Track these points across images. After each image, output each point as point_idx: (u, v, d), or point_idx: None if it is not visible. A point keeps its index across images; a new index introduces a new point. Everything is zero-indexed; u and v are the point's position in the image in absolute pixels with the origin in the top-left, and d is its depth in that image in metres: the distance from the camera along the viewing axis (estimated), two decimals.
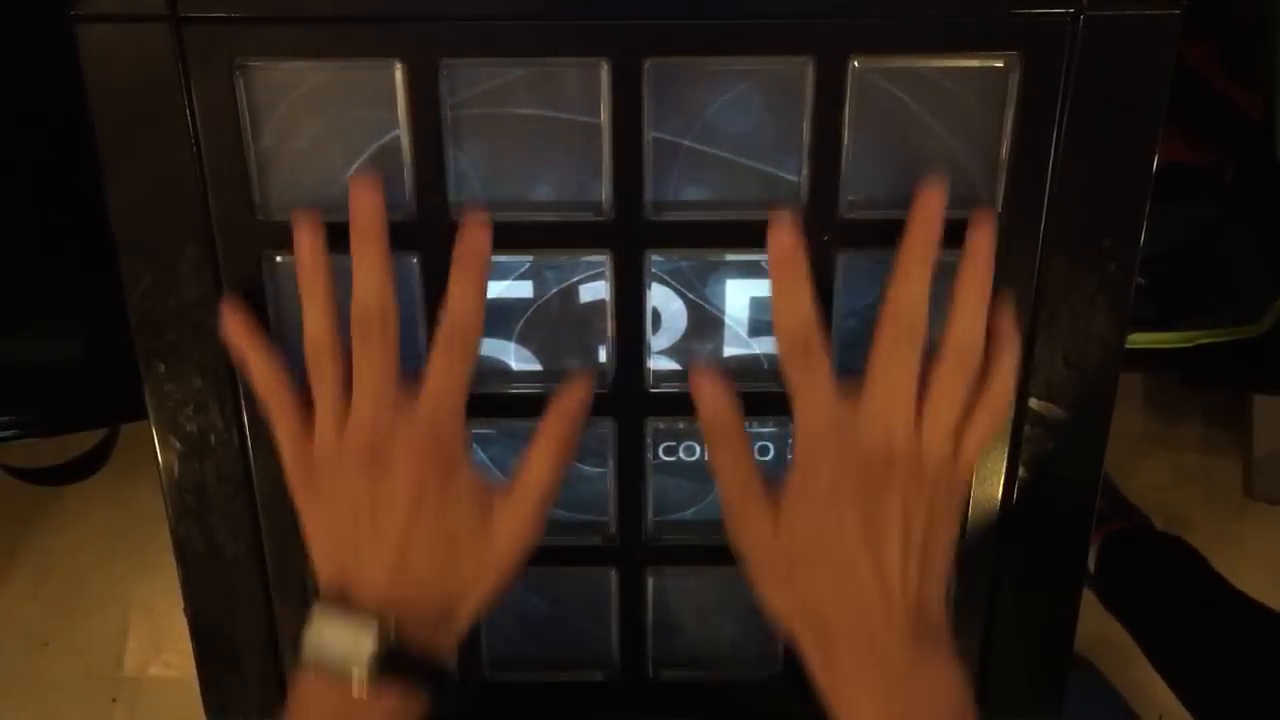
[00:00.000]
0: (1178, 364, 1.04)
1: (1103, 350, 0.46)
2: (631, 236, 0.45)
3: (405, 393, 0.42)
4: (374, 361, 0.41)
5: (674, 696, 0.53)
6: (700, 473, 0.50)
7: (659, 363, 0.47)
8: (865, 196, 0.43)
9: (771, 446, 0.49)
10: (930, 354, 0.41)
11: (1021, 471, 0.48)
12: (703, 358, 0.47)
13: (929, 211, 0.41)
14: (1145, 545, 1.11)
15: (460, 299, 0.42)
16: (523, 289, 0.46)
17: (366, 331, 0.41)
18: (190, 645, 0.51)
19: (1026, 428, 0.47)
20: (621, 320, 0.46)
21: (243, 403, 0.47)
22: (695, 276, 0.46)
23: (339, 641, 0.41)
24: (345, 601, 0.42)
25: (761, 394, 0.46)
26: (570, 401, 0.44)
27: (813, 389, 0.41)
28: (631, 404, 0.48)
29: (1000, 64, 0.42)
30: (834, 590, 0.41)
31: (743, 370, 0.47)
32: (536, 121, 0.43)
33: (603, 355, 0.47)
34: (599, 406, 0.47)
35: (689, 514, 0.51)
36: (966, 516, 0.48)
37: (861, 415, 0.41)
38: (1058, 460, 0.48)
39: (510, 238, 0.44)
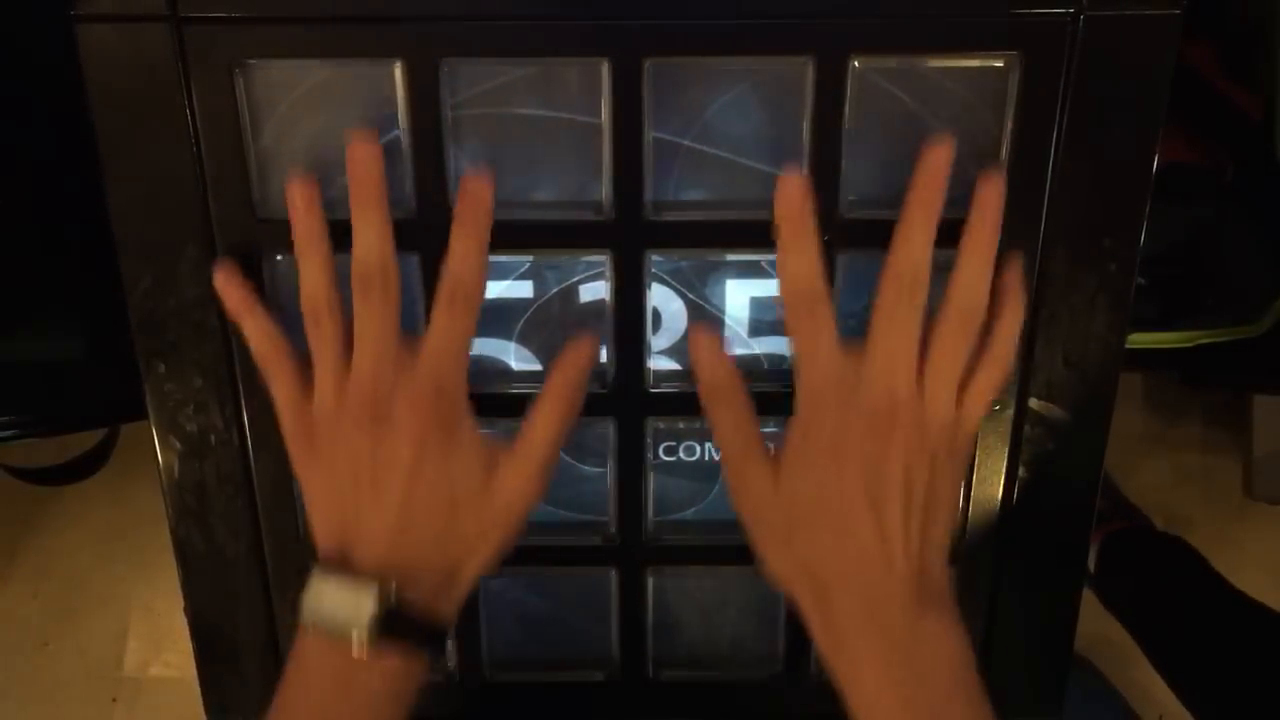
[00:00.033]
0: (1178, 364, 1.04)
1: (1103, 350, 0.46)
2: (631, 236, 0.45)
3: (407, 350, 0.41)
4: (375, 318, 0.41)
5: (674, 696, 0.53)
6: (700, 473, 0.50)
7: (659, 363, 0.47)
8: (865, 196, 0.43)
9: (772, 447, 0.49)
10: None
11: (1021, 471, 0.48)
12: (702, 322, 0.46)
13: (934, 171, 0.40)
14: (1145, 545, 1.11)
15: (462, 256, 0.41)
16: (523, 289, 0.46)
17: (367, 288, 0.40)
18: (190, 645, 0.51)
19: (1026, 428, 0.47)
20: (621, 320, 0.46)
21: (243, 402, 0.47)
22: (695, 276, 0.46)
23: (339, 604, 0.40)
24: (345, 564, 0.42)
25: (762, 394, 0.45)
26: (575, 360, 0.43)
27: (816, 346, 0.41)
28: (631, 404, 0.48)
29: (1000, 64, 0.42)
30: (834, 550, 0.41)
31: (743, 370, 0.47)
32: (536, 121, 0.43)
33: (603, 355, 0.47)
34: (599, 406, 0.48)
35: (689, 514, 0.51)
36: (970, 488, 0.48)
37: (863, 373, 0.41)
38: (1058, 460, 0.48)
39: (510, 238, 0.44)
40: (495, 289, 0.46)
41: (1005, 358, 0.42)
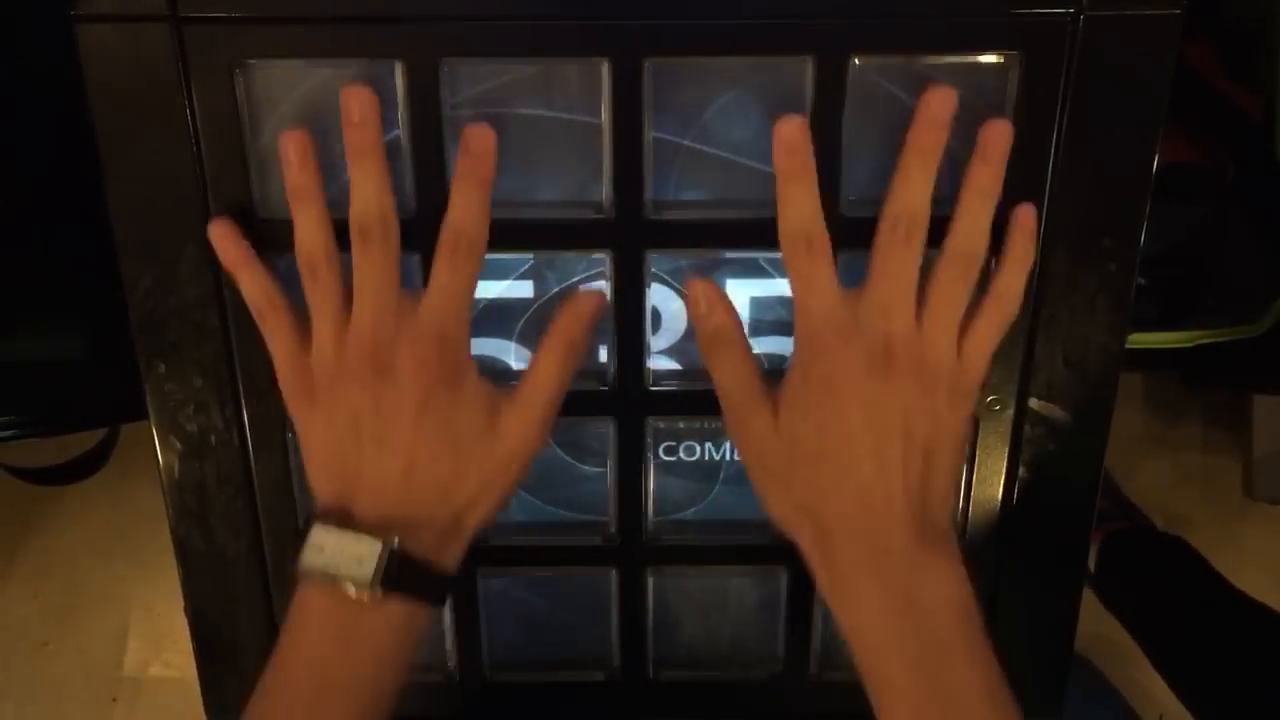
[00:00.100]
0: (1178, 364, 1.04)
1: (1103, 350, 0.46)
2: (631, 236, 0.45)
3: (408, 302, 0.41)
4: (375, 269, 0.40)
5: (674, 696, 0.53)
6: (700, 473, 0.50)
7: (659, 363, 0.47)
8: (865, 196, 0.43)
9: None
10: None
11: (1021, 471, 0.48)
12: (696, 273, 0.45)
13: (934, 114, 0.40)
14: (1145, 545, 1.11)
15: (463, 207, 0.40)
16: (523, 288, 0.46)
17: (367, 239, 0.40)
18: (190, 645, 0.51)
19: (1026, 428, 0.47)
20: (621, 320, 0.46)
21: (243, 402, 0.47)
22: (694, 273, 0.46)
23: (341, 556, 0.40)
24: (346, 517, 0.41)
25: None
26: (579, 310, 0.43)
27: (813, 286, 0.41)
28: (631, 404, 0.48)
29: (1000, 64, 0.42)
30: (834, 489, 0.41)
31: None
32: (536, 121, 0.43)
33: (603, 355, 0.47)
34: (599, 406, 0.48)
35: (689, 514, 0.51)
36: (970, 488, 0.48)
37: (861, 313, 0.40)
38: (1058, 460, 0.48)
39: (511, 237, 0.44)
40: (495, 289, 0.46)
41: (1008, 300, 0.42)
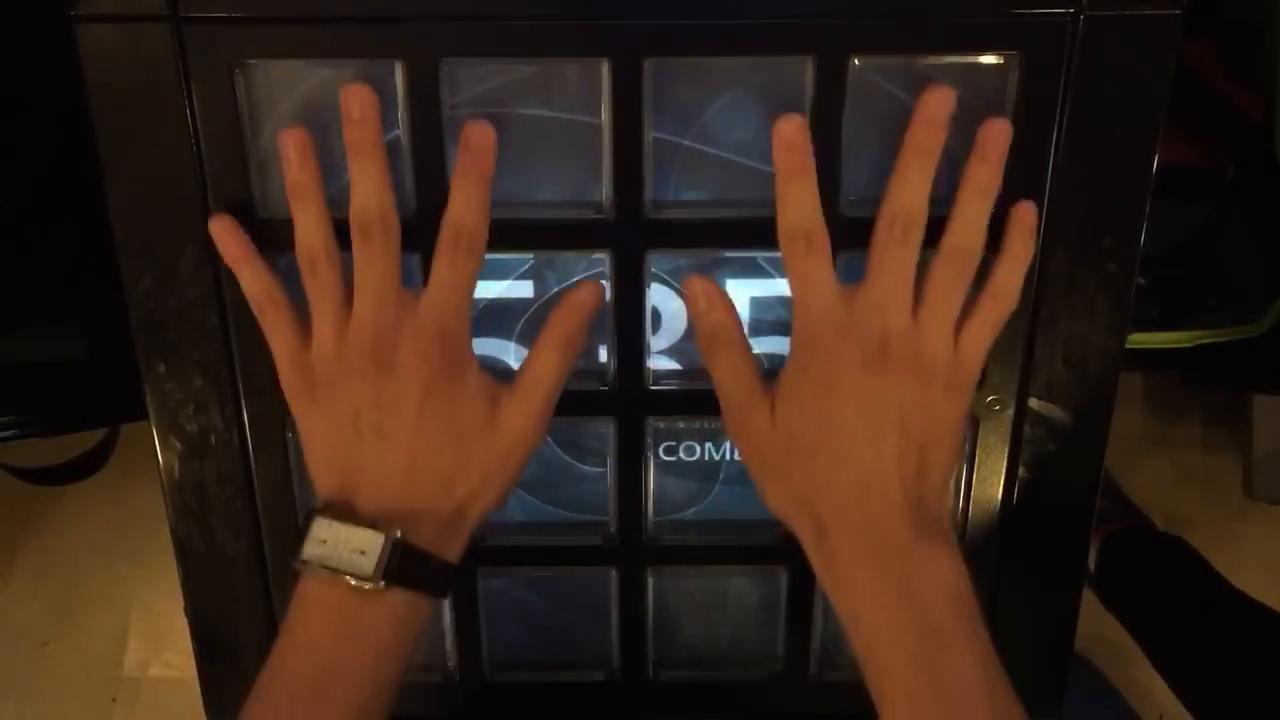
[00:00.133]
0: (1178, 364, 1.04)
1: (1103, 350, 0.46)
2: (631, 236, 0.45)
3: (408, 298, 0.41)
4: (376, 265, 0.40)
5: (674, 696, 0.53)
6: (700, 473, 0.50)
7: (659, 363, 0.47)
8: (865, 196, 0.43)
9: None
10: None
11: (1021, 471, 0.48)
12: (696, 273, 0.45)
13: (931, 114, 0.40)
14: (1145, 545, 1.11)
15: (463, 204, 0.41)
16: (523, 288, 0.46)
17: (368, 235, 0.40)
18: (190, 645, 0.51)
19: (1026, 428, 0.47)
20: (621, 320, 0.46)
21: (243, 402, 0.47)
22: (693, 272, 0.46)
23: (344, 547, 0.40)
24: (348, 509, 0.41)
25: None
26: (577, 303, 0.43)
27: (811, 282, 0.41)
28: (631, 404, 0.48)
29: (1000, 64, 0.42)
30: (830, 482, 0.41)
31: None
32: (536, 121, 0.43)
33: (603, 355, 0.47)
34: (599, 406, 0.48)
35: (689, 514, 0.51)
36: (970, 488, 0.48)
37: (858, 309, 0.41)
38: (1058, 460, 0.48)
39: (510, 237, 0.44)
40: (495, 289, 0.46)
41: (1006, 296, 0.42)
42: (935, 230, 0.41)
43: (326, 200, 0.41)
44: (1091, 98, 0.42)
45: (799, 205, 0.40)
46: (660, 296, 0.46)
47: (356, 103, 0.40)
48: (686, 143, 0.44)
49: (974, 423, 0.47)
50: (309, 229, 0.41)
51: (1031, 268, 0.44)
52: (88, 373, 0.70)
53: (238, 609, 0.50)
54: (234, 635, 0.50)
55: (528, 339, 0.47)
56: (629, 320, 0.46)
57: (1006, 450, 0.48)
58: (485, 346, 0.47)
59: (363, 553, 0.40)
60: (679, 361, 0.47)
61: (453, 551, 0.43)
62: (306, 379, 0.42)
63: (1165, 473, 1.29)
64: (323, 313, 0.41)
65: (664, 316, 0.47)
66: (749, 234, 0.44)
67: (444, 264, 0.41)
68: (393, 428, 0.41)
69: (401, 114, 0.42)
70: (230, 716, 0.52)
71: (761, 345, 0.47)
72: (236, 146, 0.43)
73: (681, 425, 0.49)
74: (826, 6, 0.41)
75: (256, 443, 0.47)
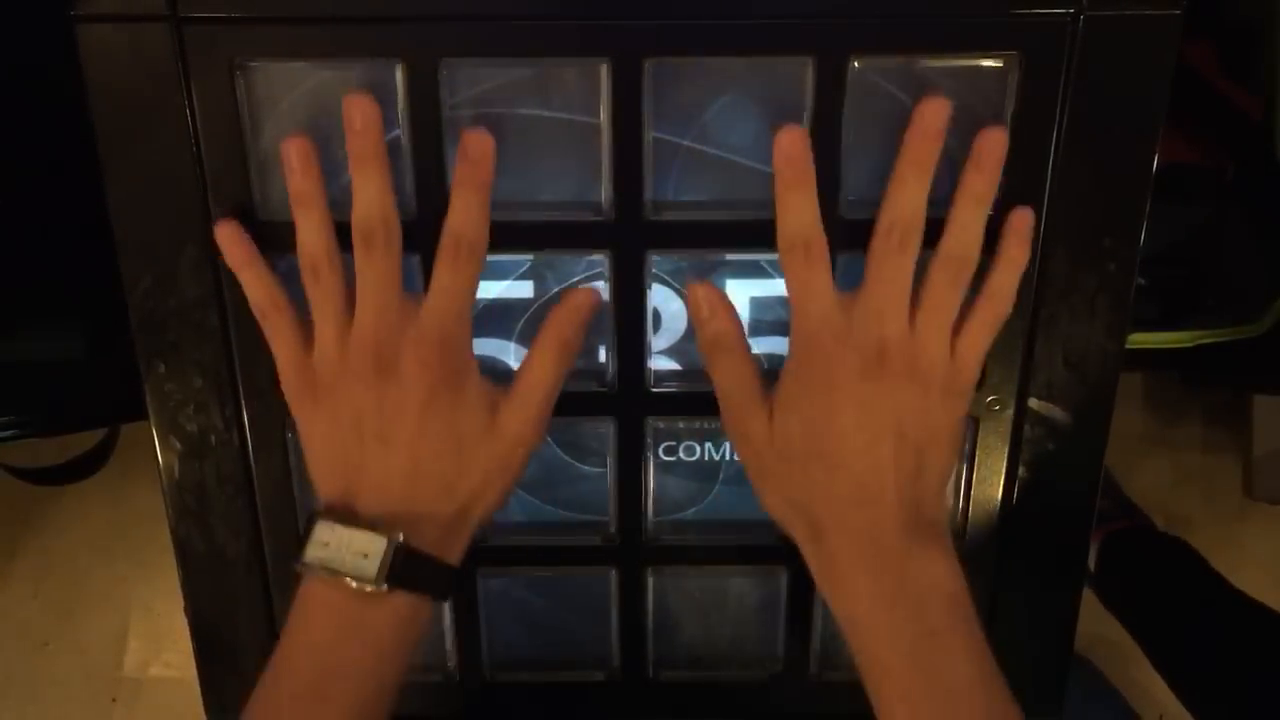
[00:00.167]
0: (1178, 364, 1.04)
1: (1103, 350, 0.46)
2: (631, 236, 0.45)
3: (410, 305, 0.41)
4: (378, 272, 0.41)
5: (674, 696, 0.53)
6: (700, 473, 0.50)
7: (659, 363, 0.47)
8: (865, 196, 0.43)
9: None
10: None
11: (1021, 471, 0.48)
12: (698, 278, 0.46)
13: (927, 124, 0.40)
14: (1145, 545, 1.11)
15: (463, 212, 0.41)
16: (523, 289, 0.46)
17: (370, 243, 0.40)
18: (190, 645, 0.51)
19: (1026, 428, 0.47)
20: (621, 320, 0.46)
21: (243, 402, 0.47)
22: (696, 276, 0.46)
23: (347, 550, 0.40)
24: (351, 513, 0.42)
25: None
26: (572, 308, 0.43)
27: (810, 290, 0.41)
28: (631, 404, 0.48)
29: (1000, 64, 0.42)
30: (827, 487, 0.42)
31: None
32: (536, 121, 0.43)
33: (602, 355, 0.47)
34: (599, 406, 0.48)
35: (689, 514, 0.51)
36: (970, 488, 0.48)
37: (856, 316, 0.41)
38: (1058, 460, 0.48)
39: (510, 238, 0.44)
40: (495, 289, 0.46)
41: (1001, 300, 0.42)
42: (934, 231, 0.41)
43: (328, 202, 0.41)
44: (1091, 98, 0.42)
45: (798, 214, 0.41)
46: (660, 297, 0.46)
47: (359, 113, 0.40)
48: (686, 143, 0.44)
49: (974, 423, 0.47)
50: (311, 236, 0.41)
51: (1031, 268, 0.44)
52: (88, 373, 0.70)
53: (238, 609, 0.50)
54: (234, 635, 0.50)
55: (528, 339, 0.47)
56: (629, 321, 0.46)
57: (1006, 450, 0.48)
58: (485, 346, 0.47)
59: (365, 555, 0.40)
60: (679, 362, 0.47)
61: (454, 554, 0.44)
62: (308, 383, 0.42)
63: (1165, 473, 1.29)
64: (325, 318, 0.42)
65: (664, 317, 0.47)
66: (749, 235, 0.44)
67: (445, 271, 0.41)
68: (395, 433, 0.41)
69: (401, 114, 0.42)
70: (230, 716, 0.52)
71: (761, 345, 0.47)
72: (236, 147, 0.43)
73: (681, 425, 0.49)
74: (826, 6, 0.41)
75: (256, 443, 0.47)
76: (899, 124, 0.41)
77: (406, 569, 0.41)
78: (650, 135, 0.43)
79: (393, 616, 0.41)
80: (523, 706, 0.54)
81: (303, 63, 0.42)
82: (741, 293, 0.46)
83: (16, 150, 0.63)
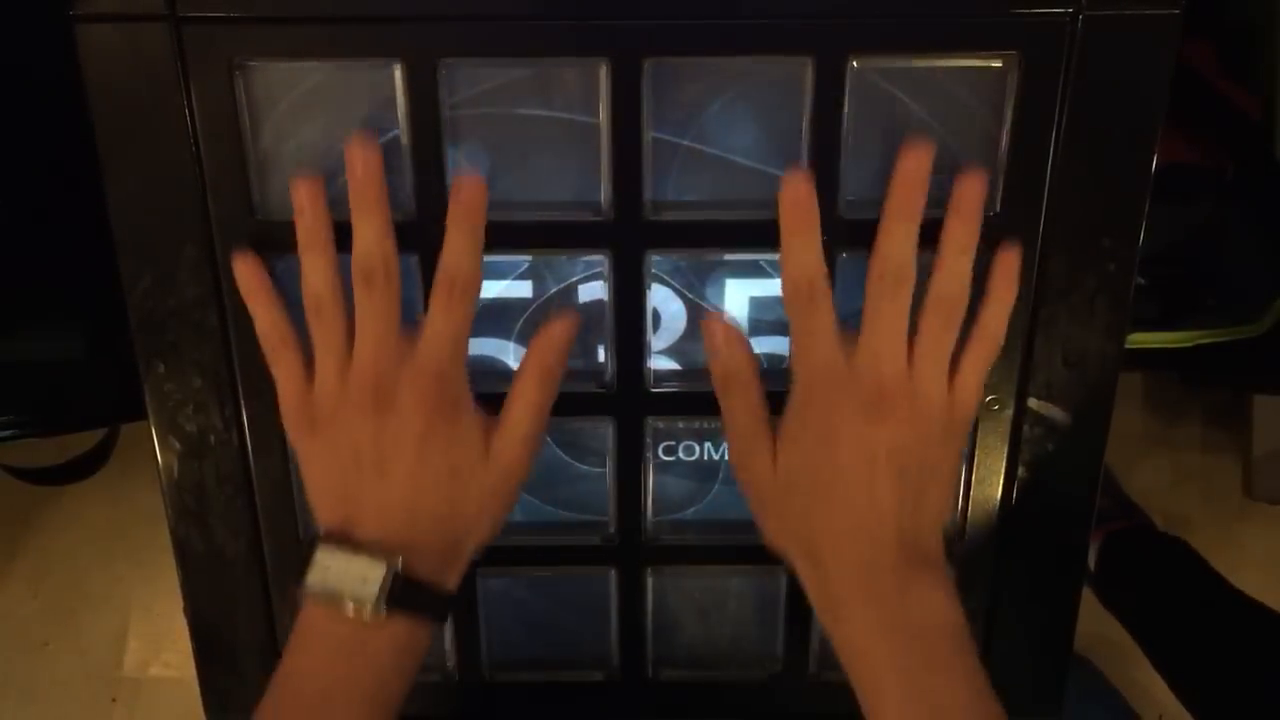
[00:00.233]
0: (1178, 364, 1.04)
1: (1102, 350, 0.46)
2: (631, 236, 0.45)
3: (407, 341, 0.42)
4: (377, 310, 0.42)
5: (674, 696, 0.53)
6: (700, 473, 0.50)
7: (659, 363, 0.47)
8: (864, 196, 0.43)
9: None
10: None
11: (1021, 471, 0.48)
12: (715, 312, 0.46)
13: (911, 173, 0.41)
14: (1145, 545, 1.11)
15: (458, 252, 0.42)
16: (522, 289, 0.46)
17: (370, 283, 0.41)
18: (190, 645, 0.51)
19: (1026, 428, 0.47)
20: (621, 320, 0.46)
21: (242, 403, 0.47)
22: (695, 276, 0.46)
23: (347, 576, 0.41)
24: (350, 540, 0.42)
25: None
26: (551, 338, 0.44)
27: (813, 335, 0.42)
28: (631, 404, 0.48)
29: (1000, 64, 0.42)
30: (828, 521, 0.42)
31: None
32: (536, 121, 0.43)
33: (601, 355, 0.47)
34: (599, 406, 0.48)
35: (689, 514, 0.51)
36: (970, 488, 0.48)
37: (856, 360, 0.42)
38: (1058, 460, 0.48)
39: (510, 238, 0.44)
40: (495, 289, 0.46)
41: (993, 339, 0.43)
42: (932, 232, 0.41)
43: (326, 202, 0.42)
44: (1091, 97, 0.42)
45: (803, 258, 0.41)
46: (659, 297, 0.46)
47: (361, 163, 0.41)
48: (685, 143, 0.43)
49: (973, 424, 0.47)
50: (317, 276, 0.42)
51: (1031, 268, 0.44)
52: (88, 373, 0.70)
53: (237, 609, 0.50)
54: (233, 635, 0.50)
55: (527, 339, 0.47)
56: (628, 321, 0.46)
57: (1006, 450, 0.48)
58: (484, 346, 0.47)
59: (364, 581, 0.41)
60: (678, 362, 0.47)
61: (451, 580, 0.44)
62: (308, 415, 0.43)
63: (1165, 473, 1.29)
64: (326, 353, 0.43)
65: (663, 317, 0.47)
66: (748, 235, 0.44)
67: (439, 309, 0.42)
68: (392, 465, 0.42)
69: (401, 114, 0.42)
70: (230, 716, 0.52)
71: (761, 345, 0.47)
72: (236, 146, 0.43)
73: (681, 425, 0.49)
74: (826, 6, 0.41)
75: (256, 443, 0.47)
76: (899, 124, 0.41)
77: (405, 594, 0.41)
78: (649, 135, 0.43)
79: (391, 642, 0.42)
80: (522, 706, 0.54)
81: (302, 63, 0.42)
82: (741, 293, 0.46)
83: (16, 150, 0.63)
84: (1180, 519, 1.28)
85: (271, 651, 0.50)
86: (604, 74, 0.42)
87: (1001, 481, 0.48)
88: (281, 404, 0.44)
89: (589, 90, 0.42)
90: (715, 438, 0.49)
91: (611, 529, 0.50)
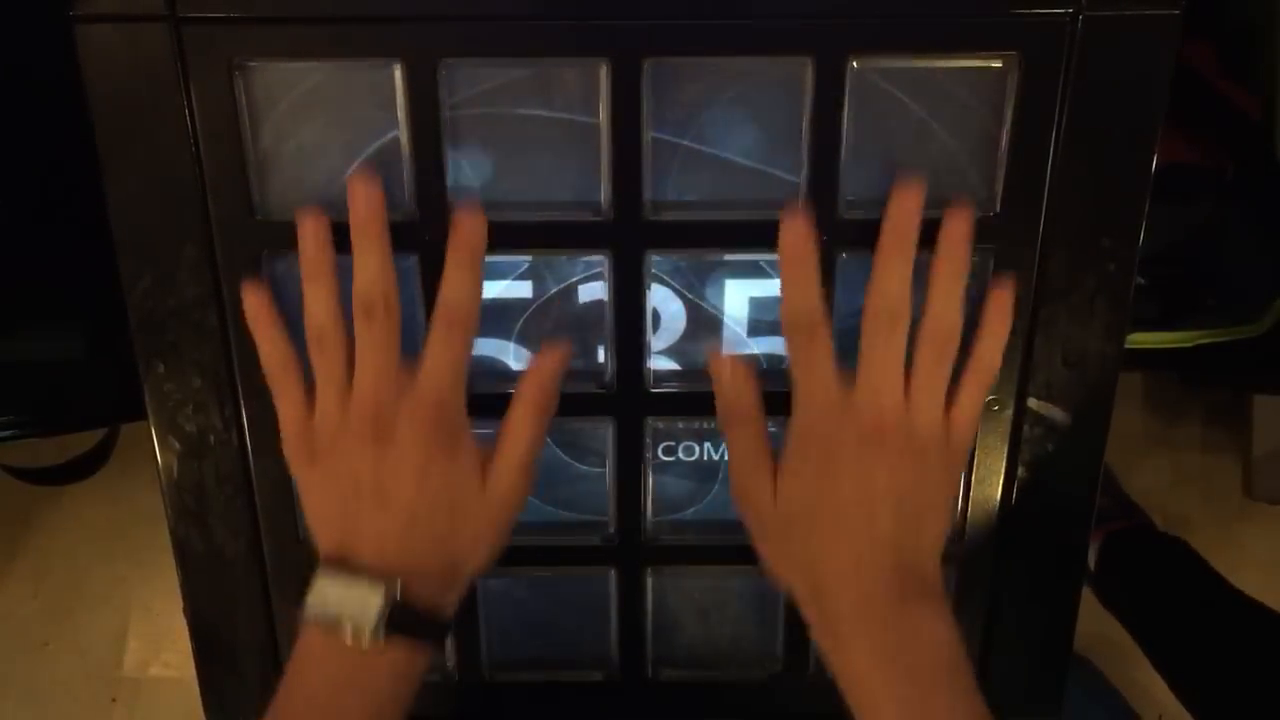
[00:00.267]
0: (1178, 364, 1.04)
1: (1102, 350, 0.46)
2: (631, 236, 0.45)
3: (406, 372, 0.43)
4: (377, 342, 0.42)
5: (674, 696, 0.53)
6: (700, 473, 0.50)
7: (658, 363, 0.47)
8: (864, 196, 0.43)
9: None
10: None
11: (1021, 471, 0.48)
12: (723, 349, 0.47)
13: (903, 212, 0.42)
14: (1145, 545, 1.11)
15: (457, 284, 0.42)
16: (522, 289, 0.46)
17: (370, 315, 0.42)
18: (190, 645, 0.51)
19: (1026, 428, 0.47)
20: (621, 320, 0.46)
21: (242, 403, 0.47)
22: (695, 276, 0.46)
23: (346, 601, 0.41)
24: (349, 567, 0.43)
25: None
26: (544, 368, 0.45)
27: (812, 371, 0.43)
28: (631, 404, 0.48)
29: (1000, 64, 0.42)
30: (827, 551, 0.43)
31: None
32: (536, 121, 0.43)
33: (601, 355, 0.47)
34: (598, 406, 0.48)
35: (689, 514, 0.51)
36: (970, 488, 0.48)
37: (855, 396, 0.43)
38: (1058, 460, 0.48)
39: (510, 238, 0.44)
40: (495, 289, 0.46)
41: (989, 369, 0.44)
42: (931, 231, 0.41)
43: (326, 205, 0.42)
44: (1091, 98, 0.42)
45: (802, 295, 0.42)
46: (659, 297, 0.46)
47: (364, 199, 0.42)
48: (685, 143, 0.43)
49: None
50: (319, 307, 0.43)
51: (1031, 268, 0.44)
52: (88, 373, 0.70)
53: (237, 609, 0.50)
54: (233, 635, 0.50)
55: (526, 339, 0.47)
56: (628, 321, 0.46)
57: (1006, 450, 0.48)
58: (485, 346, 0.47)
59: (364, 606, 0.41)
60: (678, 362, 0.47)
61: (450, 605, 0.45)
62: (309, 444, 0.44)
63: (1165, 473, 1.29)
64: (327, 383, 0.43)
65: (663, 317, 0.46)
66: (748, 235, 0.44)
67: (438, 340, 0.43)
68: (392, 494, 0.43)
69: (401, 114, 0.42)
70: (230, 716, 0.52)
71: (761, 345, 0.47)
72: (236, 147, 0.43)
73: (680, 425, 0.49)
74: (826, 6, 0.41)
75: (255, 443, 0.47)
76: (899, 124, 0.41)
77: (404, 620, 0.42)
78: (649, 135, 0.43)
79: (389, 667, 0.43)
80: (522, 706, 0.54)
81: (302, 63, 0.42)
82: (741, 293, 0.46)
83: (16, 150, 0.63)
84: (1180, 519, 1.28)
85: (271, 651, 0.50)
86: (604, 74, 0.42)
87: (1001, 481, 0.48)
88: (283, 433, 0.44)
89: (589, 90, 0.42)
90: (715, 438, 0.49)
91: (611, 529, 0.50)
